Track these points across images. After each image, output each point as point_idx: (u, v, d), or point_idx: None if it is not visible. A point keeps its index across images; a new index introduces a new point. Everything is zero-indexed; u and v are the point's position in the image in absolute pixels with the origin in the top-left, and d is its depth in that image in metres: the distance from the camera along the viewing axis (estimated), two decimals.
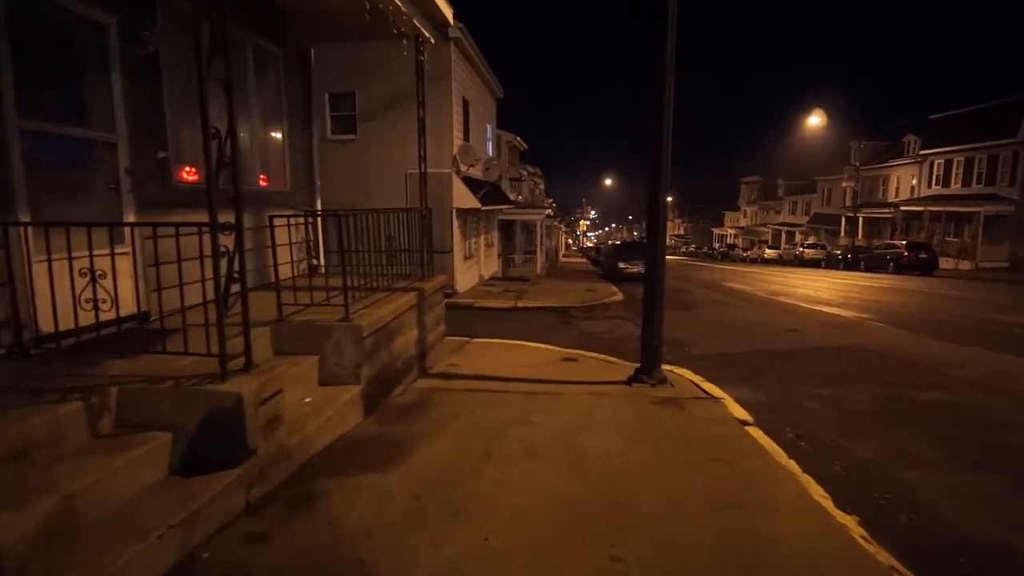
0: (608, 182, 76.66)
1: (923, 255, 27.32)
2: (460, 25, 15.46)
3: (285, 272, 5.36)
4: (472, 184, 16.92)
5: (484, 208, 17.53)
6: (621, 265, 23.48)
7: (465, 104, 17.55)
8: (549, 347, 8.56)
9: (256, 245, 5.96)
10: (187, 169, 5.47)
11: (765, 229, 59.60)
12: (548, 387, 5.96)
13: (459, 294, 16.22)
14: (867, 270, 29.25)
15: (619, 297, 16.73)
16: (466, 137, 17.56)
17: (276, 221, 4.83)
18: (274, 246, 4.77)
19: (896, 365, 7.61)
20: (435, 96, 15.73)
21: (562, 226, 61.68)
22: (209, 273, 3.19)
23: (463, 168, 16.52)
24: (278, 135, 7.00)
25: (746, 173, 66.35)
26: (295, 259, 5.95)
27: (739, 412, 5.19)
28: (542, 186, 49.94)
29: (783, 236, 54.20)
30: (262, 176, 6.68)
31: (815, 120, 36.18)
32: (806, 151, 48.06)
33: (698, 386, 6.15)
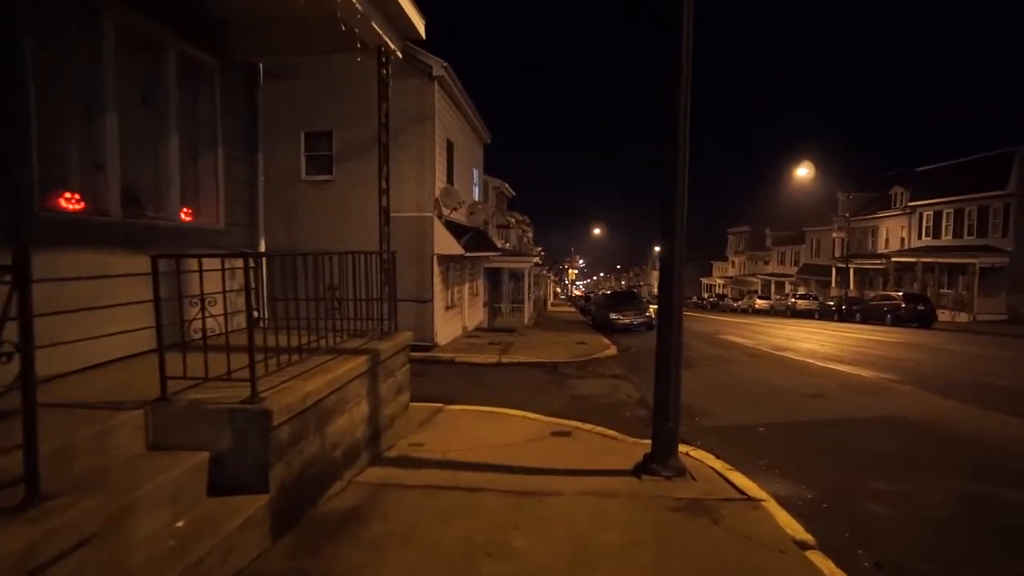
0: (597, 231, 76.59)
1: (921, 307, 26.56)
2: (445, 64, 14.72)
3: (212, 327, 4.05)
4: (456, 229, 15.84)
5: (468, 255, 16.41)
6: (613, 316, 22.32)
7: (449, 146, 16.67)
8: (536, 416, 7.20)
9: (169, 294, 4.65)
10: (67, 195, 4.22)
11: (754, 279, 59.18)
12: (535, 482, 4.58)
13: (439, 347, 14.86)
14: (863, 322, 28.38)
15: (612, 351, 15.44)
16: (450, 180, 16.60)
17: (163, 264, 3.55)
18: (155, 297, 3.47)
19: (954, 445, 6.33)
20: (417, 136, 14.86)
21: (551, 275, 60.88)
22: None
23: (446, 212, 15.47)
24: (211, 162, 5.81)
25: (734, 223, 66.51)
26: (228, 312, 4.68)
27: (791, 526, 3.84)
28: (530, 234, 49.32)
29: (772, 286, 53.70)
30: (185, 209, 5.44)
31: (803, 171, 35.99)
32: (793, 202, 48.13)
33: (725, 479, 4.80)
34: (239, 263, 4.79)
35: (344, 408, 4.40)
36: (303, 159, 15.46)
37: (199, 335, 3.62)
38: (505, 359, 13.63)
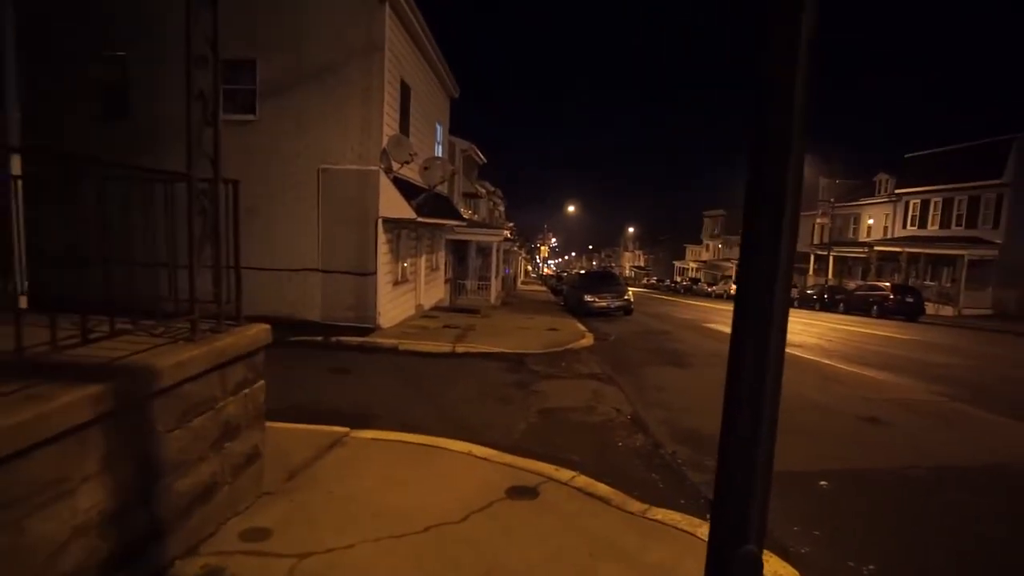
0: (571, 209, 73.88)
1: (909, 299, 25.10)
2: None
3: None
4: (409, 190, 13.07)
5: (424, 221, 13.68)
6: (588, 298, 19.91)
7: (405, 89, 13.79)
8: (487, 454, 4.70)
9: None
10: None
11: (728, 264, 57.70)
12: None
13: (382, 330, 12.20)
14: (846, 312, 26.91)
15: (588, 341, 13.01)
16: (404, 131, 13.76)
17: None
18: None
19: None
20: (362, 71, 11.94)
21: (522, 252, 58.30)
22: None
23: (396, 166, 12.67)
24: None
25: (709, 205, 64.80)
26: None
27: None
28: (502, 208, 46.56)
29: None
30: None
31: None
32: None
33: None
34: None
35: None
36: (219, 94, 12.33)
37: None
38: (460, 348, 11.08)
